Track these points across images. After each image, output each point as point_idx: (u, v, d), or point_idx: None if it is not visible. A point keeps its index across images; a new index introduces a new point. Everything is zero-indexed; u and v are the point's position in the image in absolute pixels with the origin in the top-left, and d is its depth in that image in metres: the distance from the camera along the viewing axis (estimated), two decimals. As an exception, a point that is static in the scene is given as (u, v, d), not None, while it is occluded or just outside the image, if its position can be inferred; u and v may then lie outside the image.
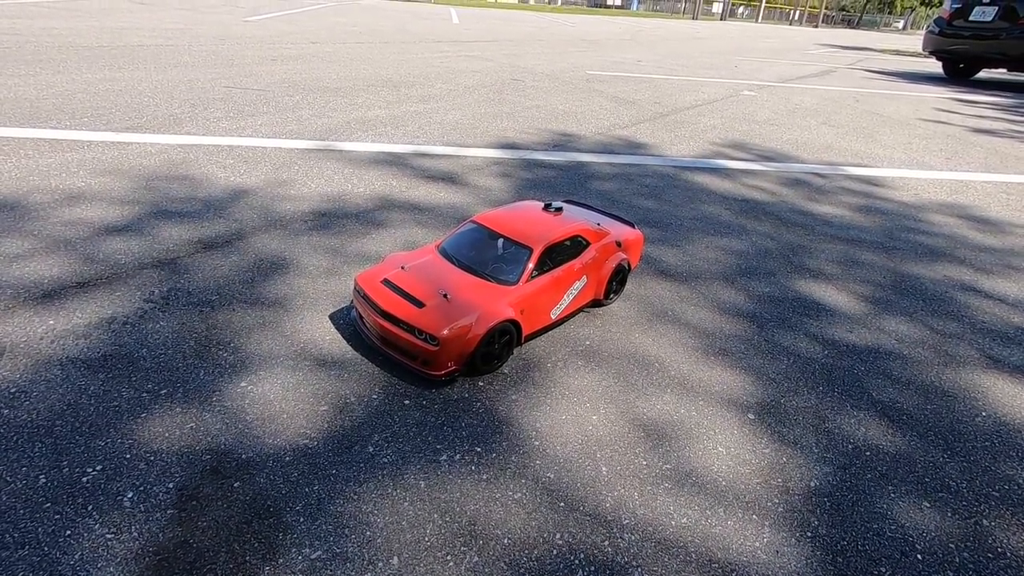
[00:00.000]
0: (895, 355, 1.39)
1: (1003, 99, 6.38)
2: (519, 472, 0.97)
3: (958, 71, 8.32)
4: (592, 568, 0.82)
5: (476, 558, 0.82)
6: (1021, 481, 1.04)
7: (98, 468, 0.91)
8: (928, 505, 0.97)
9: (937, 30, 7.53)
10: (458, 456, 0.99)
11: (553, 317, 1.31)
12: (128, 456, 0.93)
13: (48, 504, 0.84)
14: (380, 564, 0.80)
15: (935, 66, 9.29)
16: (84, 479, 0.89)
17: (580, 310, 1.43)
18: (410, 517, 0.87)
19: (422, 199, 2.15)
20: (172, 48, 5.32)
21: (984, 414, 1.21)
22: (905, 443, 1.10)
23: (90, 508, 0.84)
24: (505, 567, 0.81)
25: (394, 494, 0.91)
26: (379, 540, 0.83)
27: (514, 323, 1.17)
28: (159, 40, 5.78)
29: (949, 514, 0.95)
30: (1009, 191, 2.90)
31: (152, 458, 0.93)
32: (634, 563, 0.83)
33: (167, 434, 0.98)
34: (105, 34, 5.88)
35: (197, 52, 5.20)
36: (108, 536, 0.80)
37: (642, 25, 18.35)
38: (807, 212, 2.35)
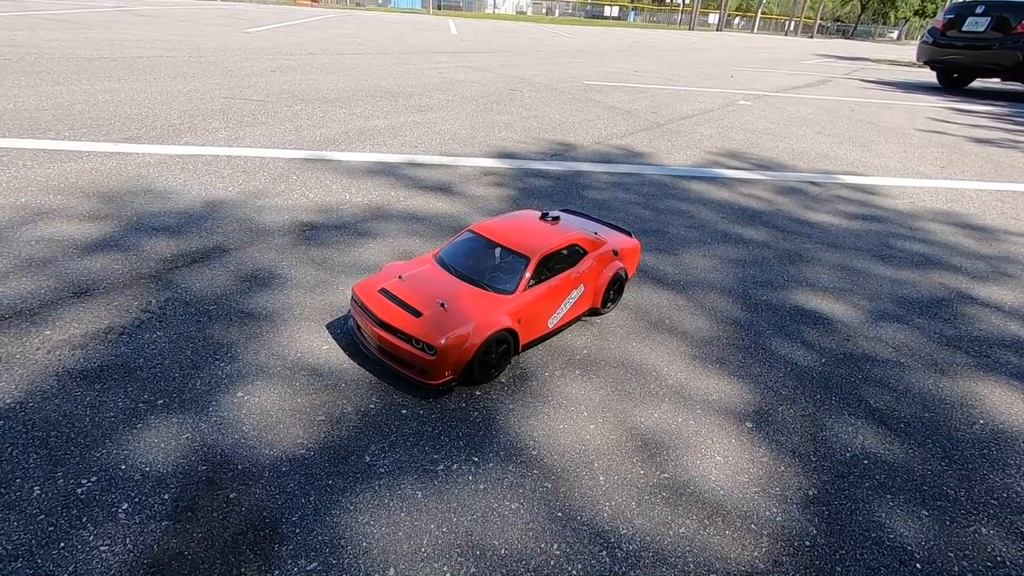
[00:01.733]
0: (892, 363, 1.40)
1: (997, 108, 6.44)
2: (516, 482, 0.97)
3: (952, 81, 8.40)
4: (590, 579, 0.81)
5: (473, 569, 0.81)
6: (1019, 489, 1.03)
7: (93, 479, 0.90)
8: (927, 514, 0.96)
9: (931, 40, 7.61)
10: (455, 466, 0.99)
11: (551, 326, 1.32)
12: (123, 467, 0.93)
13: (42, 516, 0.84)
14: (376, 575, 0.79)
15: (929, 76, 9.37)
16: (79, 490, 0.88)
17: (577, 319, 1.44)
18: (407, 528, 0.87)
19: (420, 209, 2.15)
20: (172, 59, 5.36)
21: (982, 422, 1.21)
22: (903, 451, 1.10)
23: (84, 520, 0.84)
24: (502, 578, 0.80)
25: (391, 504, 0.90)
26: (375, 551, 0.83)
27: (511, 332, 1.17)
28: (159, 51, 5.82)
29: (947, 522, 0.95)
30: (1004, 199, 2.91)
31: (147, 469, 0.93)
32: (632, 573, 0.82)
33: (163, 445, 0.98)
34: (105, 46, 5.91)
35: (197, 63, 5.23)
36: (103, 548, 0.80)
37: (639, 36, 18.51)
38: (803, 220, 2.36)
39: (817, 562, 0.86)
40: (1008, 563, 0.89)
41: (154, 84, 4.11)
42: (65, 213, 1.86)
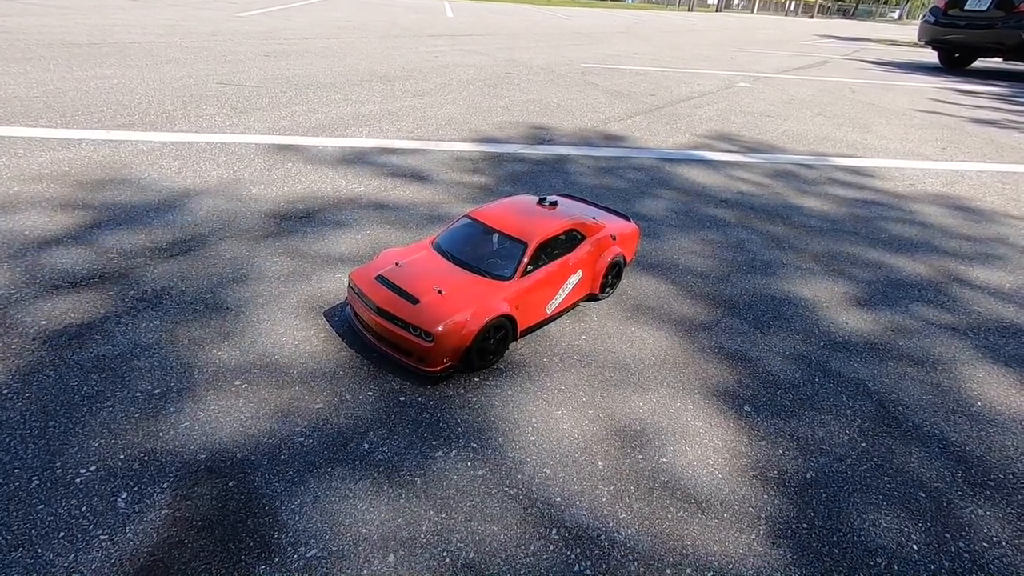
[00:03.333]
0: (890, 347, 1.39)
1: (999, 88, 6.38)
2: (515, 468, 0.97)
3: (954, 61, 8.31)
4: (589, 563, 0.82)
5: (472, 554, 0.82)
6: (1016, 470, 1.04)
7: (92, 469, 0.90)
8: (923, 496, 0.97)
9: (932, 20, 7.51)
10: (454, 452, 0.99)
11: (548, 312, 1.31)
12: (122, 457, 0.93)
13: (42, 506, 0.84)
14: (376, 561, 0.80)
15: (931, 56, 9.28)
16: (78, 480, 0.88)
17: (576, 304, 1.43)
18: (406, 514, 0.87)
19: (416, 194, 2.14)
20: (164, 45, 5.28)
21: (979, 404, 1.21)
22: (900, 434, 1.11)
23: (84, 509, 0.84)
24: (501, 563, 0.81)
25: (390, 491, 0.91)
26: (375, 537, 0.83)
27: (509, 318, 1.17)
28: (151, 37, 5.74)
29: (944, 504, 0.96)
30: (1004, 181, 2.90)
31: (146, 458, 0.93)
32: (631, 557, 0.83)
33: (161, 434, 0.98)
34: (96, 31, 5.83)
35: (189, 49, 5.16)
36: (102, 537, 0.80)
37: (638, 17, 18.28)
38: (802, 204, 2.35)
39: (814, 544, 0.87)
40: (1004, 543, 0.89)
41: (146, 70, 4.06)
42: (58, 202, 1.84)
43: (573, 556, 0.82)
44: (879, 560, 0.85)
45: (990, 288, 1.74)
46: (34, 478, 0.88)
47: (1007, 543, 0.89)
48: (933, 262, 1.89)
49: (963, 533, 0.91)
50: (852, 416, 1.14)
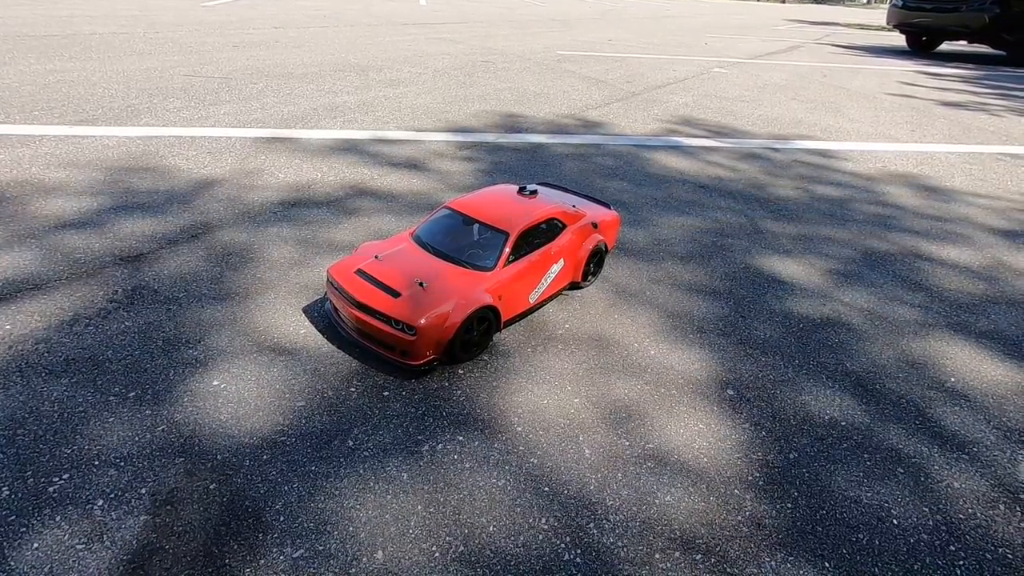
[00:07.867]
0: (867, 326, 1.42)
1: (966, 71, 6.52)
2: (502, 459, 0.96)
3: (921, 44, 8.46)
4: (579, 550, 0.82)
5: (462, 547, 0.81)
6: (988, 443, 1.07)
7: (65, 477, 0.87)
8: (902, 471, 0.99)
9: (900, 4, 7.62)
10: (440, 446, 0.98)
11: (531, 301, 1.30)
12: (97, 463, 0.90)
13: (13, 517, 0.81)
14: (364, 559, 0.79)
15: (899, 40, 9.43)
16: (51, 489, 0.85)
17: (558, 293, 1.43)
18: (393, 510, 0.86)
19: (393, 186, 2.10)
20: (126, 36, 5.10)
21: (953, 379, 1.24)
22: (879, 412, 1.13)
23: (58, 519, 0.81)
24: (491, 555, 0.80)
25: (376, 487, 0.90)
26: (362, 535, 0.82)
27: (492, 309, 1.16)
28: (112, 28, 5.53)
29: (922, 478, 0.98)
30: (971, 161, 2.97)
31: (123, 464, 0.90)
32: (620, 543, 0.83)
33: (137, 438, 0.95)
34: (54, 22, 5.60)
35: (153, 40, 4.99)
36: (79, 547, 0.78)
37: (612, 4, 18.22)
38: (776, 187, 2.37)
39: (799, 523, 0.88)
40: (979, 515, 0.92)
41: (109, 62, 3.92)
42: (17, 201, 1.77)
43: (563, 545, 0.83)
44: (861, 536, 0.87)
45: (960, 266, 1.78)
46: (4, 489, 0.85)
47: (982, 515, 0.92)
48: (907, 243, 1.93)
49: (940, 506, 0.93)
50: (832, 396, 1.16)
